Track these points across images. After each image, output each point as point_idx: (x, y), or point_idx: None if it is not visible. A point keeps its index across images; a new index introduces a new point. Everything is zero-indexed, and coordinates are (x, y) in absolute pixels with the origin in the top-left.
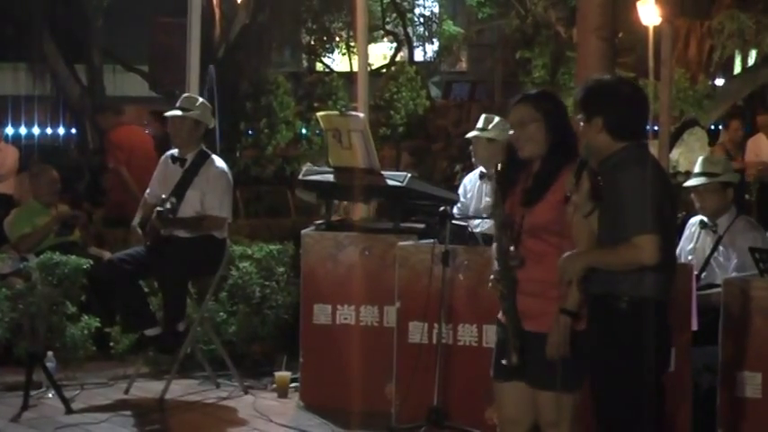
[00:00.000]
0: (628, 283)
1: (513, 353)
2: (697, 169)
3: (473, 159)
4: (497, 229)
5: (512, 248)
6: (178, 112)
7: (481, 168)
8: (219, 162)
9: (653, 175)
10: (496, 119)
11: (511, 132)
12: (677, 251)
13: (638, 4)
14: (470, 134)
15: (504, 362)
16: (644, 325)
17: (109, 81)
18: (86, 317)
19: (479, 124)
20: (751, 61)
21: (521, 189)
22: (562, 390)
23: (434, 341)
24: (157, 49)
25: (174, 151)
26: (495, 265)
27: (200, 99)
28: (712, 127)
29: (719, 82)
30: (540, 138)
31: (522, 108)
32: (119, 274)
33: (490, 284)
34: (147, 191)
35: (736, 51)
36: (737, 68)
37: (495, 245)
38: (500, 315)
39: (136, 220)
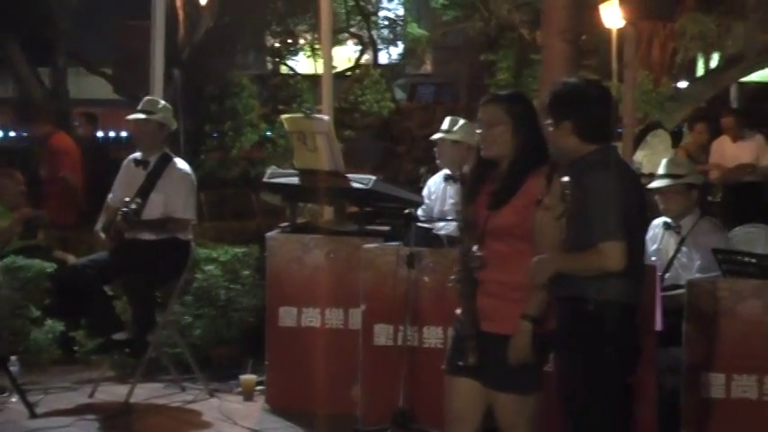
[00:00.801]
0: (594, 286)
1: (470, 353)
2: (661, 171)
3: (438, 161)
4: (460, 229)
5: (473, 249)
6: (141, 116)
7: (446, 170)
8: (183, 164)
9: (622, 179)
10: (461, 121)
11: (478, 131)
12: None
13: (602, 7)
14: (435, 136)
15: (460, 363)
16: (611, 328)
17: (73, 83)
18: (50, 321)
19: (444, 126)
20: (714, 64)
21: (488, 191)
22: (521, 392)
23: (400, 343)
24: (122, 52)
25: (137, 154)
26: (458, 265)
27: (162, 102)
28: (676, 129)
29: (682, 84)
30: (505, 140)
31: (492, 108)
32: (82, 281)
33: (451, 284)
34: (110, 195)
35: (699, 54)
36: (700, 71)
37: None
38: (459, 312)
39: (99, 225)
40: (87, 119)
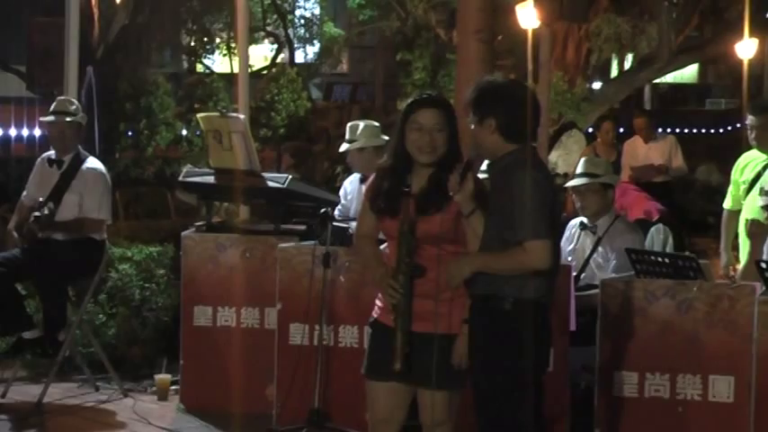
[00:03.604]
0: (512, 284)
1: (399, 359)
2: (579, 170)
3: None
4: (402, 237)
5: (410, 258)
6: (65, 117)
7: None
8: (97, 163)
9: (544, 178)
10: (361, 125)
11: (417, 133)
12: None
13: (517, 8)
14: (342, 148)
15: (393, 368)
16: (527, 326)
17: None
18: None
19: (347, 135)
20: (627, 65)
21: (408, 196)
22: (453, 388)
23: (315, 343)
24: (35, 49)
25: (51, 153)
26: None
27: (75, 101)
28: (590, 130)
29: (597, 85)
30: (443, 146)
31: (438, 113)
32: None
33: (387, 292)
34: (24, 193)
35: (613, 55)
36: (614, 72)
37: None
38: (376, 314)
39: (12, 224)
40: None
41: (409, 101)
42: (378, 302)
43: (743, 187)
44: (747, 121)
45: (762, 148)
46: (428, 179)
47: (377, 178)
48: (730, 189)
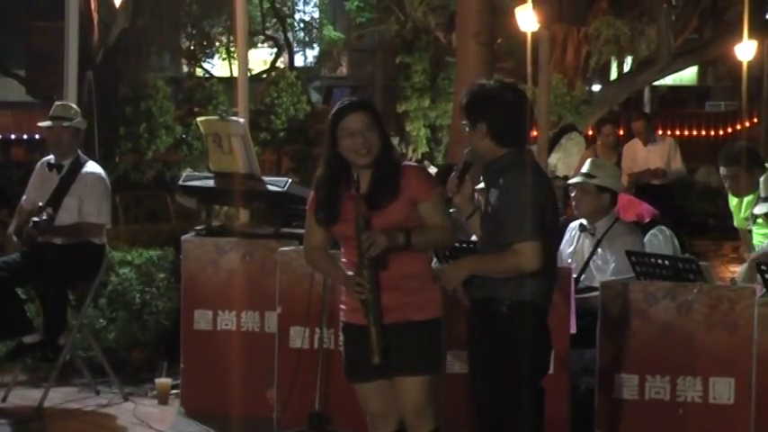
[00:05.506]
0: (509, 287)
1: (376, 353)
2: (581, 170)
3: None
4: (359, 232)
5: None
6: (62, 122)
7: None
8: (96, 168)
9: (536, 181)
10: None
11: (349, 138)
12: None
13: (517, 10)
14: None
15: (373, 363)
16: (525, 328)
17: None
18: None
19: None
20: (627, 67)
21: (358, 194)
22: (427, 372)
23: (316, 346)
24: (34, 54)
25: (50, 157)
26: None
27: (74, 105)
28: (590, 132)
29: (596, 87)
30: (377, 145)
31: (365, 116)
32: None
33: (353, 290)
34: (24, 198)
35: (612, 57)
36: (614, 74)
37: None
38: (344, 317)
39: (11, 228)
40: None
41: (334, 109)
42: (342, 306)
43: (746, 222)
44: (720, 171)
45: (738, 195)
46: (371, 178)
47: (318, 189)
48: (732, 209)
